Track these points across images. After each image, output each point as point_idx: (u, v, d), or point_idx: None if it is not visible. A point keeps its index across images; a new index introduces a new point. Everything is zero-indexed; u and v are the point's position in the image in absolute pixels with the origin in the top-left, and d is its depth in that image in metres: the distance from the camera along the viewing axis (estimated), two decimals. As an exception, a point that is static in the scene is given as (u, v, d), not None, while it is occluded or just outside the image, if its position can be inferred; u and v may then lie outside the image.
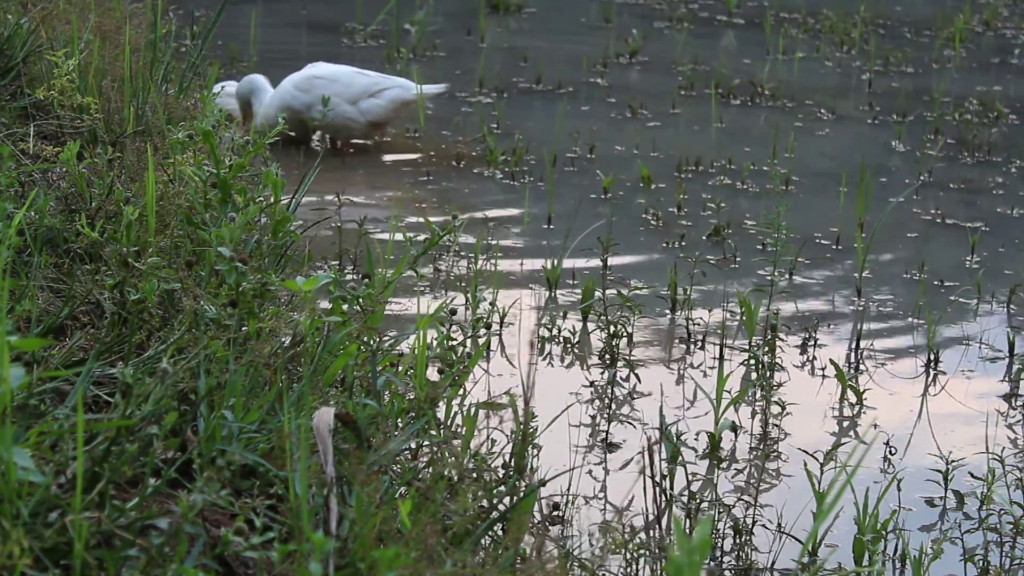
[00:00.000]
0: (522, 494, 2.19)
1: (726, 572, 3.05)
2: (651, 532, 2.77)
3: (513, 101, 7.10)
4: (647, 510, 2.79)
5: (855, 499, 3.07)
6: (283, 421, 1.97)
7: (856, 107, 7.37)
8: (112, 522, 1.69)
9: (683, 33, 8.81)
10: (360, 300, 2.33)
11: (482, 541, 2.05)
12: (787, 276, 4.78)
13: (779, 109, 7.20)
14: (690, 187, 5.73)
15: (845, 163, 6.03)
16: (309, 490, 1.81)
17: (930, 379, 4.16)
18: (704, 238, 5.17)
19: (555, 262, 4.63)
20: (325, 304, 2.32)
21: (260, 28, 7.73)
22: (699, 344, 4.30)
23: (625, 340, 4.16)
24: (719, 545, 3.09)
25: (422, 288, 4.53)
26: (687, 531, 3.05)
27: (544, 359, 4.16)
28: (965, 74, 8.28)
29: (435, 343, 2.54)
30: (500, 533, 2.17)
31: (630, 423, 3.73)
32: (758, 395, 3.85)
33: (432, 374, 2.49)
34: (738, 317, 4.35)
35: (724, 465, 3.54)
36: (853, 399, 3.92)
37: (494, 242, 4.94)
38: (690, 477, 3.24)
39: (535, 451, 2.80)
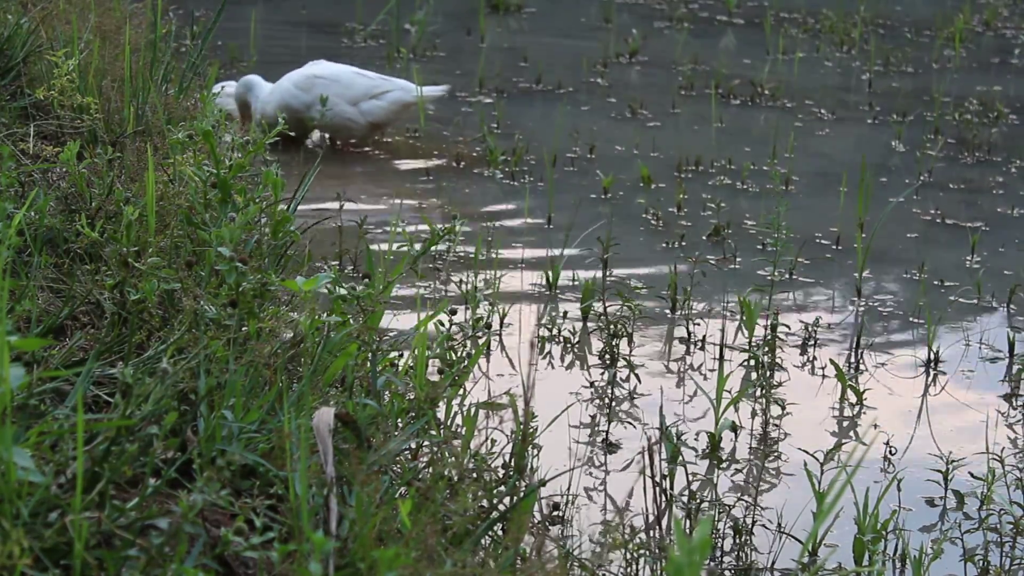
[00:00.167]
0: (522, 494, 2.19)
1: (726, 572, 3.05)
2: (651, 532, 2.77)
3: (513, 101, 7.10)
4: (647, 510, 2.79)
5: (855, 499, 3.07)
6: (283, 421, 1.97)
7: (856, 107, 7.37)
8: (112, 522, 1.69)
9: (683, 33, 8.81)
10: (360, 300, 2.33)
11: (482, 541, 2.05)
12: (787, 276, 4.78)
13: (779, 109, 7.20)
14: (690, 187, 5.73)
15: (845, 163, 6.03)
16: (309, 490, 1.81)
17: (930, 379, 4.16)
18: (704, 238, 5.17)
19: (555, 262, 4.63)
20: (325, 303, 2.32)
21: (260, 28, 7.73)
22: (699, 344, 4.30)
23: (625, 340, 4.16)
24: (719, 545, 3.09)
25: (422, 288, 4.53)
26: (687, 531, 3.05)
27: (544, 359, 4.16)
28: (965, 74, 8.28)
29: (435, 343, 2.54)
30: (500, 533, 2.17)
31: (630, 423, 3.73)
32: (758, 395, 3.85)
33: (432, 374, 2.49)
34: (738, 317, 4.35)
35: (724, 465, 3.54)
36: (853, 399, 3.92)
37: (494, 241, 4.93)
38: (690, 477, 3.24)
39: (535, 451, 2.81)
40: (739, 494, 3.35)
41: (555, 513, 3.06)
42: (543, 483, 2.46)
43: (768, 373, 4.04)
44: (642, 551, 2.77)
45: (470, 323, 3.14)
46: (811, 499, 3.12)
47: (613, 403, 3.84)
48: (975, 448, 3.56)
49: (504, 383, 3.82)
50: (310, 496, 1.82)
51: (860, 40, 8.86)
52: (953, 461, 3.36)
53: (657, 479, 2.86)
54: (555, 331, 4.24)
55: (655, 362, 4.17)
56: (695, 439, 3.54)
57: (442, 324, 2.66)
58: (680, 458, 3.23)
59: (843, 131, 6.91)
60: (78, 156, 2.90)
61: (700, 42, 8.66)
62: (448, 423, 2.52)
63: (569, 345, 4.21)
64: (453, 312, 2.69)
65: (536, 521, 2.66)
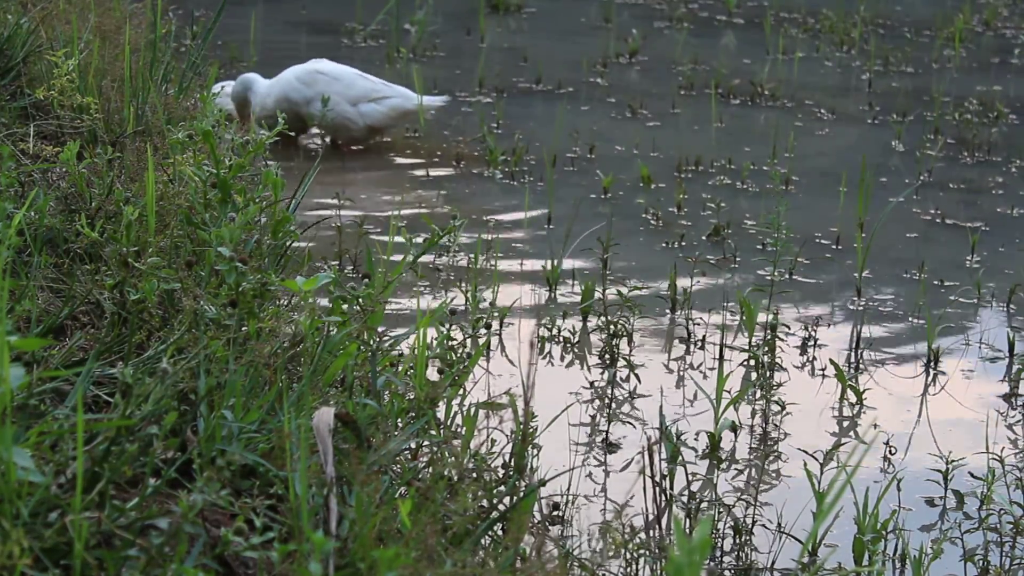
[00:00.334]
0: (522, 494, 2.19)
1: (726, 572, 3.05)
2: (651, 532, 2.77)
3: (513, 101, 7.10)
4: (647, 510, 2.79)
5: (855, 499, 3.06)
6: (283, 421, 1.97)
7: (856, 107, 7.37)
8: (112, 522, 1.69)
9: (683, 33, 8.81)
10: (360, 300, 2.33)
11: (482, 541, 2.05)
12: (787, 276, 4.78)
13: (779, 109, 7.20)
14: (690, 187, 5.73)
15: (845, 163, 6.03)
16: (309, 490, 1.81)
17: (930, 379, 4.16)
18: (704, 238, 5.17)
19: (555, 262, 4.63)
20: (325, 304, 2.32)
21: (260, 28, 7.73)
22: (699, 344, 4.30)
23: (625, 340, 4.16)
24: (719, 545, 3.09)
25: (422, 288, 4.53)
26: (687, 531, 3.05)
27: (544, 359, 4.16)
28: (965, 74, 8.28)
29: (435, 343, 2.54)
30: (500, 533, 2.17)
31: (630, 423, 3.73)
32: (758, 395, 3.85)
33: (432, 374, 2.49)
34: (738, 317, 4.35)
35: (724, 465, 3.54)
36: (853, 399, 3.92)
37: (494, 241, 4.93)
38: (690, 477, 3.24)
39: (535, 451, 2.80)
40: (739, 494, 3.35)
41: (555, 513, 3.06)
42: (543, 483, 2.46)
43: (768, 373, 4.04)
44: (642, 551, 2.77)
45: (470, 323, 3.14)
46: (811, 499, 3.12)
47: (613, 403, 3.84)
48: (975, 448, 3.56)
49: (504, 383, 3.82)
50: (310, 496, 1.82)
51: (860, 40, 8.86)
52: (953, 461, 3.36)
53: (657, 479, 2.86)
54: (555, 331, 4.24)
55: (655, 362, 4.17)
56: (695, 439, 3.54)
57: (442, 324, 2.65)
58: (680, 458, 3.23)
59: (843, 131, 6.91)
60: (78, 156, 2.90)
61: (700, 42, 8.67)
62: (448, 423, 2.52)
63: (569, 345, 4.21)
64: (453, 312, 2.69)
65: (536, 521, 2.66)
